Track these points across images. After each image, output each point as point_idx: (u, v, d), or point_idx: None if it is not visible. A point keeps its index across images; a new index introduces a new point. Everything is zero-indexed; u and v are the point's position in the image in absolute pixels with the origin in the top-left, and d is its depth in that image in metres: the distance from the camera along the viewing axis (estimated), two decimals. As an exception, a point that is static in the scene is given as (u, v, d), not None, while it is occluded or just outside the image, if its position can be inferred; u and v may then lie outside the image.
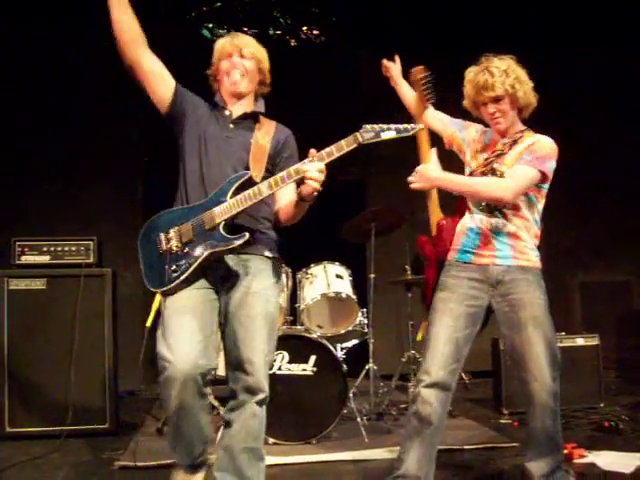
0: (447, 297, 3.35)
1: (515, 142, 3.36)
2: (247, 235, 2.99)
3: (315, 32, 7.36)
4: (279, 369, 4.62)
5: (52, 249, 5.00)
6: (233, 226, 3.07)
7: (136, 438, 4.66)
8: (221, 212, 3.03)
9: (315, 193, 3.01)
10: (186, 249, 3.06)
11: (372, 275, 5.40)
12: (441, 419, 3.30)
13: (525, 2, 6.71)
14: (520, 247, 3.33)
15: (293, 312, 5.32)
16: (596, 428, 4.85)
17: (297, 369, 4.65)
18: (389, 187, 6.55)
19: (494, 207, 3.32)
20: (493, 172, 3.31)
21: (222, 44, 3.33)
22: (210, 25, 7.31)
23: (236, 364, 3.09)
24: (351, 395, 4.86)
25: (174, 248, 3.08)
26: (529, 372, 3.26)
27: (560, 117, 6.90)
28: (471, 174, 3.42)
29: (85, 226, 6.03)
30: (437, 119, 3.65)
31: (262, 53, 3.37)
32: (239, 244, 2.98)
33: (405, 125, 3.00)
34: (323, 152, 3.00)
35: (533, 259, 3.36)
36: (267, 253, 3.19)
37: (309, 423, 4.64)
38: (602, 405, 5.46)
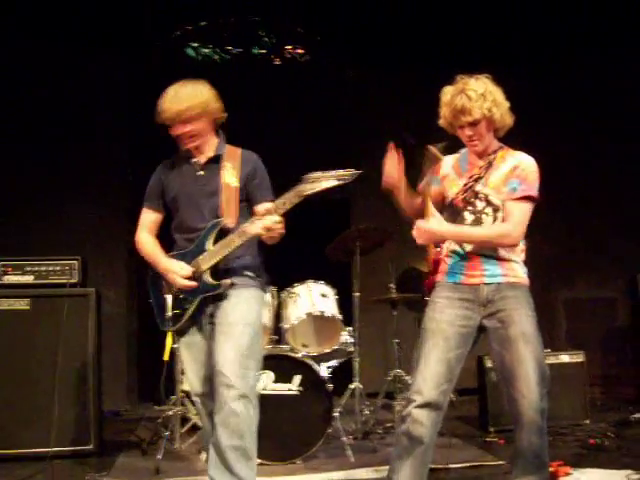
0: (438, 317, 3.33)
1: (490, 164, 3.37)
2: (229, 281, 3.40)
3: (300, 51, 7.39)
4: (264, 389, 4.60)
5: (36, 269, 4.97)
6: (217, 270, 3.44)
7: (121, 459, 4.62)
8: (204, 261, 3.44)
9: (278, 238, 3.33)
10: (182, 295, 3.48)
11: (357, 293, 5.39)
12: (432, 438, 3.29)
13: (505, 19, 6.76)
14: (508, 264, 3.34)
15: (278, 331, 5.30)
16: (582, 445, 4.85)
17: (282, 389, 4.63)
18: (373, 206, 6.57)
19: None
20: (476, 195, 3.31)
21: (162, 112, 3.45)
22: (195, 44, 7.33)
23: (213, 368, 3.37)
24: (337, 414, 4.84)
25: (174, 293, 3.49)
26: (518, 389, 3.24)
27: (542, 132, 6.97)
28: (451, 202, 3.41)
29: (69, 245, 6.00)
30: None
31: (199, 100, 3.45)
32: (223, 290, 3.40)
33: (343, 172, 3.18)
34: (273, 205, 3.27)
35: (521, 275, 3.37)
36: (251, 282, 3.51)
37: (294, 443, 4.62)
38: (588, 422, 5.46)
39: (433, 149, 3.36)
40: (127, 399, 6.44)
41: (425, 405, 3.23)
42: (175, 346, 4.41)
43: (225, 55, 7.32)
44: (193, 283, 3.43)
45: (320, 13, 6.88)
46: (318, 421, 4.64)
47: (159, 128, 3.61)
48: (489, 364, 5.36)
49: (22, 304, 4.89)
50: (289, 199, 3.22)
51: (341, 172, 3.16)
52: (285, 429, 4.60)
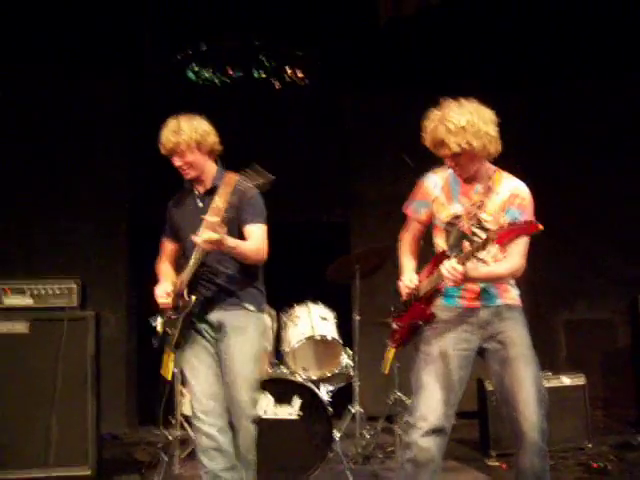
0: (438, 341, 3.33)
1: (490, 189, 3.34)
2: (194, 297, 3.66)
3: (300, 75, 7.43)
4: (264, 413, 4.57)
5: (35, 292, 4.95)
6: (193, 287, 3.71)
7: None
8: (181, 280, 3.74)
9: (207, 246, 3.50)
10: (174, 315, 3.75)
11: (357, 317, 5.38)
12: (439, 464, 3.30)
13: (506, 43, 6.80)
14: (503, 286, 3.36)
15: (278, 355, 5.28)
16: (584, 469, 4.82)
17: (282, 412, 4.61)
18: (373, 228, 6.58)
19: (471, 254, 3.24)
20: (479, 222, 3.22)
21: (161, 144, 3.72)
22: (196, 68, 7.36)
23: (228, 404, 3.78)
24: (337, 438, 4.81)
25: (166, 314, 3.83)
26: (518, 410, 3.24)
27: (541, 156, 6.99)
28: (447, 225, 3.40)
29: (68, 268, 5.99)
30: (420, 237, 3.67)
31: (195, 135, 3.68)
32: (192, 306, 3.66)
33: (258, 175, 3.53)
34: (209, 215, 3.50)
35: (516, 297, 3.40)
36: (246, 306, 3.76)
37: (294, 467, 4.60)
38: (590, 445, 5.42)
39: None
40: (126, 422, 6.39)
41: (431, 432, 3.24)
42: (175, 370, 4.41)
43: (226, 79, 7.35)
44: (166, 300, 3.74)
45: (320, 37, 6.93)
46: (318, 445, 4.62)
47: (158, 150, 3.67)
48: (490, 387, 5.33)
49: (21, 327, 4.87)
50: (220, 200, 3.50)
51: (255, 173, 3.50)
52: (285, 453, 4.58)
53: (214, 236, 3.40)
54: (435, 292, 3.35)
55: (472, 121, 3.18)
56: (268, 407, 4.60)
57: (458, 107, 3.22)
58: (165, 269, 3.96)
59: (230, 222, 3.62)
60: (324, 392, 5.03)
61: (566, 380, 5.54)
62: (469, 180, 3.37)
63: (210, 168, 3.82)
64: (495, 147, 3.29)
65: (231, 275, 3.73)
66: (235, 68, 7.40)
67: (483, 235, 3.00)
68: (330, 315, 5.45)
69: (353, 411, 5.29)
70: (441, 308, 3.39)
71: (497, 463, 5.11)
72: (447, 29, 6.72)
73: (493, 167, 3.41)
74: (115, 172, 6.76)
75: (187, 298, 3.67)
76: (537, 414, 3.22)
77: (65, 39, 6.40)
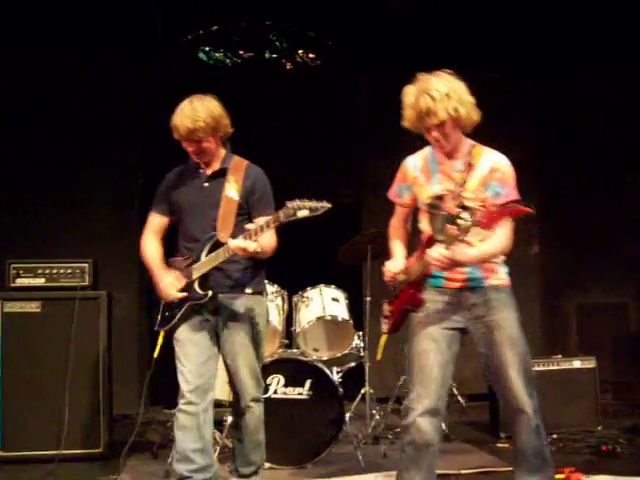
0: (425, 321, 3.30)
1: (471, 165, 3.27)
2: (210, 292, 3.61)
3: (311, 56, 7.40)
4: (275, 392, 4.60)
5: (47, 272, 4.98)
6: (206, 280, 3.65)
7: (130, 462, 4.62)
8: (195, 271, 3.64)
9: (241, 253, 3.46)
10: (177, 301, 3.69)
11: (368, 298, 5.38)
12: (438, 444, 3.28)
13: (516, 26, 6.76)
14: (490, 266, 3.30)
15: (289, 335, 5.29)
16: (594, 452, 4.82)
17: (293, 393, 4.63)
18: (383, 209, 6.55)
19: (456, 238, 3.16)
20: (463, 203, 3.09)
21: (174, 128, 3.60)
22: (207, 48, 7.35)
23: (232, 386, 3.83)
24: (347, 419, 4.82)
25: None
26: (508, 391, 3.24)
27: (557, 138, 6.96)
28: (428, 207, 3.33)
29: (81, 248, 6.01)
30: (407, 221, 3.59)
31: (212, 121, 3.58)
32: (207, 300, 3.62)
33: (317, 204, 3.27)
34: (252, 227, 3.43)
35: (503, 276, 3.34)
36: (247, 290, 3.73)
37: (304, 447, 4.61)
38: (599, 428, 5.42)
39: None
40: (138, 402, 6.43)
41: (427, 412, 3.22)
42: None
43: (237, 59, 7.33)
44: (182, 294, 3.66)
45: (331, 17, 6.89)
46: (328, 425, 4.63)
47: (170, 132, 3.64)
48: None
49: (33, 307, 4.90)
50: (268, 223, 3.37)
51: (315, 204, 3.26)
52: (295, 433, 4.60)
53: (251, 246, 3.39)
54: (424, 277, 3.29)
55: (453, 88, 3.18)
56: (278, 387, 4.62)
57: (436, 77, 3.20)
58: (154, 248, 3.84)
59: (241, 207, 3.63)
60: (334, 373, 5.04)
61: (576, 363, 5.53)
62: (448, 156, 3.31)
63: (220, 149, 3.77)
64: (476, 115, 3.25)
65: (231, 258, 3.61)
66: (246, 49, 7.38)
67: (469, 218, 2.92)
68: (342, 296, 5.45)
69: (363, 392, 5.31)
70: (427, 289, 3.34)
71: (507, 445, 5.10)
72: (461, 10, 6.67)
73: (471, 141, 3.34)
74: (128, 152, 6.78)
75: (200, 292, 3.62)
76: (526, 394, 3.22)
77: (77, 21, 6.40)
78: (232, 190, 3.62)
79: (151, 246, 3.84)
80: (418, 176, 3.38)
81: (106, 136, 6.70)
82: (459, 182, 3.25)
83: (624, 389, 7.02)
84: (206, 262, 3.62)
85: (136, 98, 6.85)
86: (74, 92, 6.61)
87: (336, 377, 4.97)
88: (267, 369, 4.58)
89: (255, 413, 3.78)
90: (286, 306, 5.29)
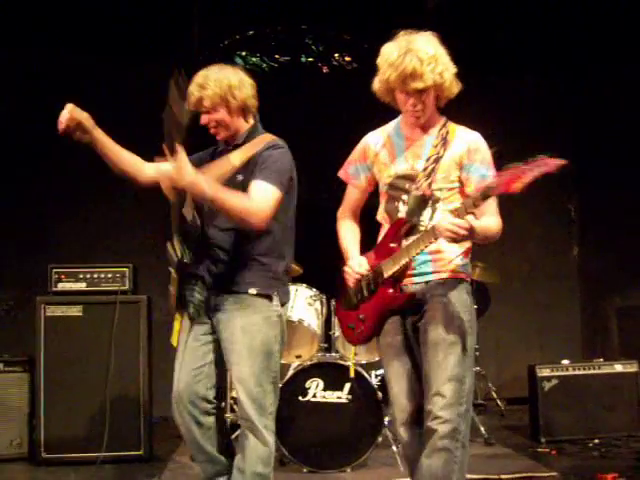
0: (389, 327, 3.03)
1: (445, 141, 2.94)
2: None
3: (347, 59, 7.39)
4: (314, 396, 4.60)
5: (88, 276, 5.05)
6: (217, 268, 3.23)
7: (170, 464, 4.66)
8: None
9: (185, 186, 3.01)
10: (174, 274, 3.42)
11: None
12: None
13: (542, 23, 6.69)
14: (442, 260, 2.93)
15: (328, 339, 5.29)
16: (637, 457, 4.75)
17: (332, 397, 4.63)
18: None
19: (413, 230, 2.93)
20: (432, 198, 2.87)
21: (187, 97, 3.21)
22: (243, 53, 7.38)
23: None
24: (386, 422, 4.81)
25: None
26: (430, 400, 2.86)
27: (602, 143, 6.88)
28: (388, 189, 3.03)
29: (121, 253, 6.08)
30: (359, 208, 3.24)
31: (220, 89, 3.14)
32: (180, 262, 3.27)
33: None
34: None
35: (453, 268, 2.94)
36: (251, 290, 3.18)
37: (344, 451, 4.61)
38: (642, 433, 5.36)
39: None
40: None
41: (412, 422, 2.98)
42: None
43: (273, 63, 7.36)
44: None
45: (367, 20, 6.88)
46: (368, 429, 4.62)
47: (207, 134, 3.60)
48: (541, 373, 5.29)
49: (74, 311, 4.97)
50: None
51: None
52: (334, 437, 4.60)
53: (187, 174, 2.89)
54: (404, 270, 2.90)
55: (440, 52, 2.87)
56: (317, 391, 4.62)
57: (422, 37, 2.88)
58: None
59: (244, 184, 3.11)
60: (373, 376, 5.03)
61: (618, 367, 5.45)
62: (418, 130, 2.99)
63: (241, 126, 3.27)
64: (457, 88, 2.95)
65: (234, 250, 3.19)
66: (282, 53, 7.40)
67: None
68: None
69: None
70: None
71: (547, 449, 5.06)
72: (489, 12, 6.63)
73: (443, 117, 3.04)
74: (166, 157, 6.82)
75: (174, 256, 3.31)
76: (447, 412, 2.82)
77: (115, 26, 6.47)
78: (235, 157, 3.17)
79: None
80: (380, 153, 3.07)
81: (143, 143, 6.74)
82: (433, 157, 2.92)
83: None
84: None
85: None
86: (115, 101, 6.67)
87: (375, 381, 4.96)
88: (306, 373, 4.62)
89: (250, 444, 3.14)
90: (325, 310, 5.28)
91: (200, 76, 3.18)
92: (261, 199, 3.04)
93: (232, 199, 2.99)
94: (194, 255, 3.28)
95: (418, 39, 2.86)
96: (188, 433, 3.21)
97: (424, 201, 2.89)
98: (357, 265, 3.02)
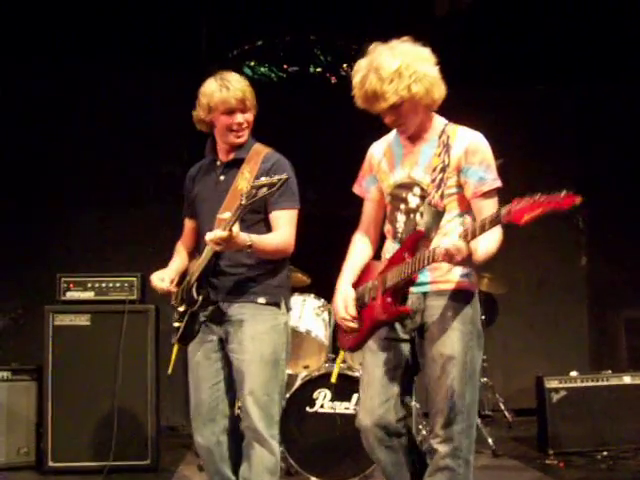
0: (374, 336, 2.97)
1: (447, 146, 2.81)
2: (200, 298, 3.19)
3: (355, 69, 7.42)
4: (321, 407, 4.59)
5: (97, 285, 5.06)
6: (208, 284, 3.25)
7: (177, 474, 4.66)
8: (191, 273, 3.31)
9: (217, 247, 3.01)
10: (180, 307, 3.32)
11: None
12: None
13: (553, 36, 6.69)
14: (442, 270, 2.82)
15: (335, 350, 5.28)
16: (646, 470, 4.73)
17: (340, 407, 4.62)
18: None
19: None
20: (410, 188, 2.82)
21: (222, 97, 3.20)
22: (252, 63, 7.41)
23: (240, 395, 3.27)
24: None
25: (175, 305, 3.39)
26: (430, 418, 2.87)
27: (610, 154, 6.86)
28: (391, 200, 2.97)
29: (129, 262, 6.09)
30: (378, 221, 3.14)
31: (252, 93, 3.28)
32: (198, 306, 3.20)
33: (274, 179, 2.82)
34: (225, 217, 2.95)
35: (454, 279, 2.83)
36: (260, 300, 3.22)
37: (351, 462, 4.58)
38: (652, 445, 5.32)
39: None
40: (184, 415, 6.47)
41: (375, 425, 2.90)
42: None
43: (282, 74, 7.38)
44: (161, 285, 3.35)
45: (376, 30, 6.90)
46: (375, 440, 4.60)
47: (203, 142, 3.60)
48: (549, 384, 5.27)
49: (83, 320, 4.98)
50: (235, 210, 2.88)
51: (271, 180, 2.81)
52: (342, 448, 4.58)
53: (222, 235, 2.89)
54: (407, 283, 2.77)
55: (406, 63, 2.70)
56: (325, 402, 4.61)
57: (388, 50, 2.74)
58: (178, 250, 3.55)
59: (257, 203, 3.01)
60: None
61: (627, 379, 5.43)
62: (414, 139, 2.89)
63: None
64: (439, 91, 2.80)
65: (239, 260, 3.21)
66: (291, 63, 7.42)
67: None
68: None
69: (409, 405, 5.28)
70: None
71: (555, 461, 5.03)
72: (499, 23, 6.64)
73: (443, 119, 2.93)
74: (175, 167, 6.84)
75: (195, 296, 3.21)
76: (445, 431, 2.80)
77: (124, 37, 6.50)
78: (243, 181, 3.18)
79: (178, 250, 3.56)
80: (381, 161, 3.01)
81: (151, 153, 6.78)
82: (439, 167, 2.79)
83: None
84: (198, 263, 3.24)
85: (182, 115, 6.92)
86: (122, 109, 6.71)
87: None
88: (314, 383, 4.61)
89: (257, 453, 3.17)
90: (332, 320, 5.29)
91: (234, 77, 3.27)
92: (287, 229, 3.19)
93: (266, 244, 3.12)
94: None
95: (382, 53, 2.75)
96: (209, 455, 3.29)
97: (438, 214, 2.79)
98: (341, 300, 2.99)
